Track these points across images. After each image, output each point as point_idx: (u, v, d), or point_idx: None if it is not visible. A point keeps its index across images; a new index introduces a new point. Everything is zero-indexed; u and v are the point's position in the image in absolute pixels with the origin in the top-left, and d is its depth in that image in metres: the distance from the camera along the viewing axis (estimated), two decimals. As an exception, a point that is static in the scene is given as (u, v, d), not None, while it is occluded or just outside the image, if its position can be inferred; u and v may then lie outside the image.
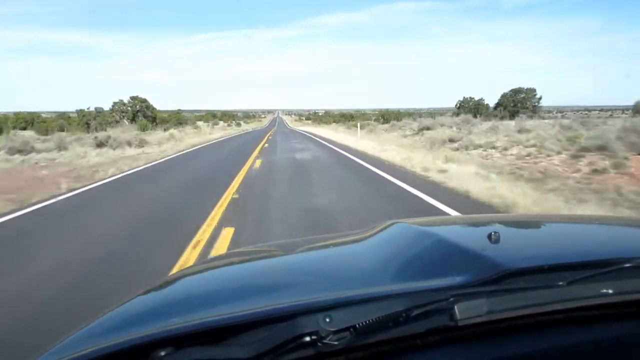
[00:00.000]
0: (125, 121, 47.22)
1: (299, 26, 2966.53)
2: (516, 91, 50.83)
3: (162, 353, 0.70)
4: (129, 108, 47.70)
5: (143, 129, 40.03)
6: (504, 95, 51.06)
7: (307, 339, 0.71)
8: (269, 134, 39.46)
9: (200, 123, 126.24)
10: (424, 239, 1.10)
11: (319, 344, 0.71)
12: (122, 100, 48.73)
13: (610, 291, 0.82)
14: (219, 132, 49.49)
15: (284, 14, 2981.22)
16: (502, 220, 1.76)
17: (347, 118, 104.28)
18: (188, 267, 1.67)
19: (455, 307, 0.76)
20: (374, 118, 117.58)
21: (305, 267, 1.21)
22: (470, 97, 51.22)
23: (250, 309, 0.77)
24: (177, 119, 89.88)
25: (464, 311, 0.76)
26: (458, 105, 51.30)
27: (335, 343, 0.71)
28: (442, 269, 0.89)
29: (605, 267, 0.84)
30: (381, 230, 1.28)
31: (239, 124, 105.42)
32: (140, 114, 48.30)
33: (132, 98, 48.70)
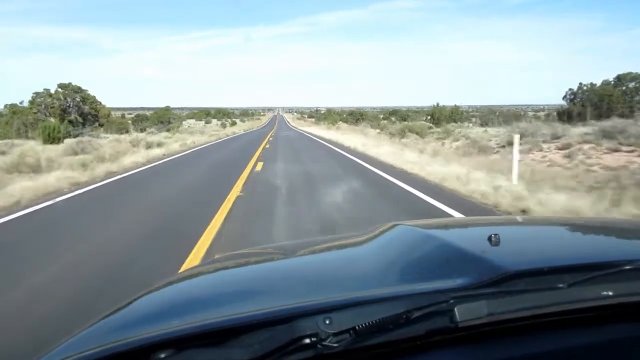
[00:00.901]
0: (51, 119, 28.72)
1: (299, 24, 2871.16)
2: (622, 78, 33.14)
3: (163, 355, 0.70)
4: (56, 101, 29.59)
5: (49, 138, 21.50)
6: (605, 84, 33.35)
7: (307, 341, 0.70)
8: (258, 153, 18.12)
9: (191, 122, 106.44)
10: (424, 241, 1.10)
11: (319, 346, 0.70)
12: (47, 91, 30.70)
13: (610, 293, 0.82)
14: (188, 139, 27.20)
15: (283, 11, 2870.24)
16: (502, 222, 1.77)
17: (355, 117, 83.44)
18: (189, 269, 1.64)
19: (456, 309, 0.75)
20: (382, 116, 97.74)
21: (306, 269, 1.19)
22: (591, 84, 33.03)
23: (250, 311, 0.77)
24: (158, 117, 68.49)
25: (464, 313, 0.75)
26: (571, 96, 33.35)
27: (335, 345, 0.71)
28: (442, 271, 0.89)
29: (605, 270, 0.84)
30: (382, 232, 1.26)
31: (234, 123, 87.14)
32: (74, 109, 30.15)
33: (62, 86, 30.70)
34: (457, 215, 6.32)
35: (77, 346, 0.81)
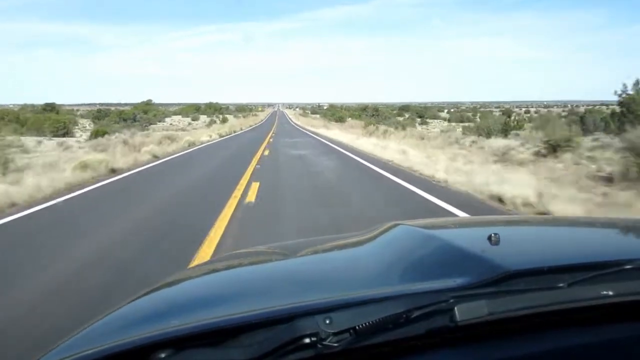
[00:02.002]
0: None
1: (299, 19, 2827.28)
2: None
3: (162, 355, 0.70)
4: None
5: None
6: None
7: (307, 340, 0.70)
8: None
9: (176, 118, 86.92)
10: (424, 241, 1.10)
11: (319, 345, 0.70)
12: None
13: (611, 293, 0.82)
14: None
15: (284, 6, 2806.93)
16: (502, 221, 1.77)
17: (370, 113, 65.75)
18: (190, 269, 1.59)
19: (456, 308, 0.75)
20: (394, 111, 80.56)
21: (306, 268, 1.19)
22: None
23: (250, 311, 0.77)
24: (120, 113, 50.89)
25: (464, 313, 0.75)
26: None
27: (335, 345, 0.70)
28: (442, 271, 0.89)
29: (605, 269, 0.84)
30: (382, 232, 1.26)
31: (225, 119, 71.17)
32: None
33: None
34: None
35: (77, 346, 0.80)
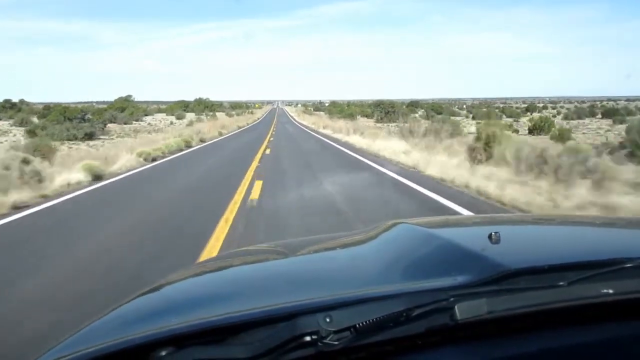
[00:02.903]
0: None
1: (299, 16, 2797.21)
2: None
3: (163, 353, 0.70)
4: None
5: None
6: None
7: (308, 338, 0.69)
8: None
9: (159, 117, 72.33)
10: (424, 240, 1.09)
11: (319, 343, 0.70)
12: None
13: (611, 291, 0.82)
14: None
15: (283, 3, 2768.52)
16: (503, 220, 1.78)
17: (385, 109, 53.93)
18: (190, 267, 1.56)
19: (456, 307, 0.75)
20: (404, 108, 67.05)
21: (306, 267, 1.19)
22: None
23: (251, 309, 0.77)
24: (61, 111, 34.20)
25: (465, 311, 0.75)
26: None
27: (336, 343, 0.70)
28: (442, 269, 0.89)
29: (605, 267, 0.84)
30: (383, 230, 1.26)
31: (214, 116, 59.39)
32: None
33: None
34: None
35: (76, 344, 0.80)
